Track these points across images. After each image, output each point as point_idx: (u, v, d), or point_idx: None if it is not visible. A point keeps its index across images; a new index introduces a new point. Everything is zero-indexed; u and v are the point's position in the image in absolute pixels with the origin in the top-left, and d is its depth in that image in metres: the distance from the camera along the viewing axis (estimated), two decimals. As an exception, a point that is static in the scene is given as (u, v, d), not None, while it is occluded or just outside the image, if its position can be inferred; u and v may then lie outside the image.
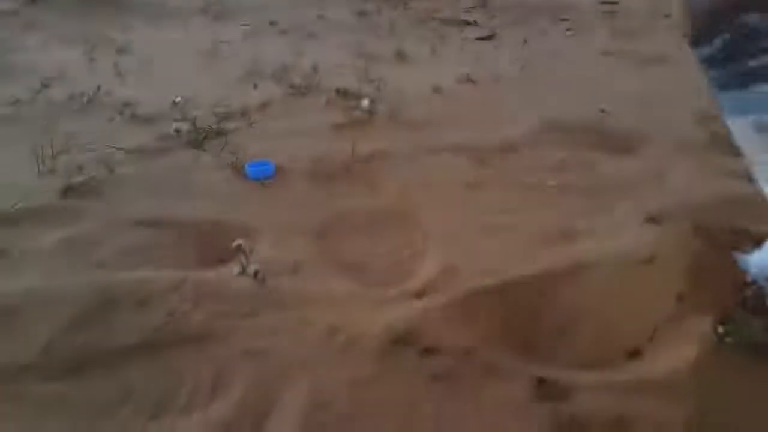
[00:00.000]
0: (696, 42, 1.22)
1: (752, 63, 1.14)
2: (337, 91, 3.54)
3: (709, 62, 1.21)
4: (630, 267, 1.49)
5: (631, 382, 1.15)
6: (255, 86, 3.91)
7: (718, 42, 1.17)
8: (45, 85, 3.80)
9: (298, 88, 3.76)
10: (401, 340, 1.27)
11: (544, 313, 1.48)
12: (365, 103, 3.06)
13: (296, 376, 1.19)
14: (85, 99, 3.54)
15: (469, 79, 4.03)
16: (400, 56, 5.28)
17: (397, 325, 1.32)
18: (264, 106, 3.40)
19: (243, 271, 1.31)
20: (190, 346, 1.29)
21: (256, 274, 1.31)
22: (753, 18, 1.12)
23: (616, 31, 6.39)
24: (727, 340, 1.20)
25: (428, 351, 1.25)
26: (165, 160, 2.50)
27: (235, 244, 1.35)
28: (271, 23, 8.20)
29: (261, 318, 1.38)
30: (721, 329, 1.19)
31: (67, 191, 2.08)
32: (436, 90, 3.83)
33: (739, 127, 1.26)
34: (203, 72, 4.71)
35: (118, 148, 2.56)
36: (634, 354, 1.30)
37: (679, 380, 1.14)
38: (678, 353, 1.23)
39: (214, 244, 1.80)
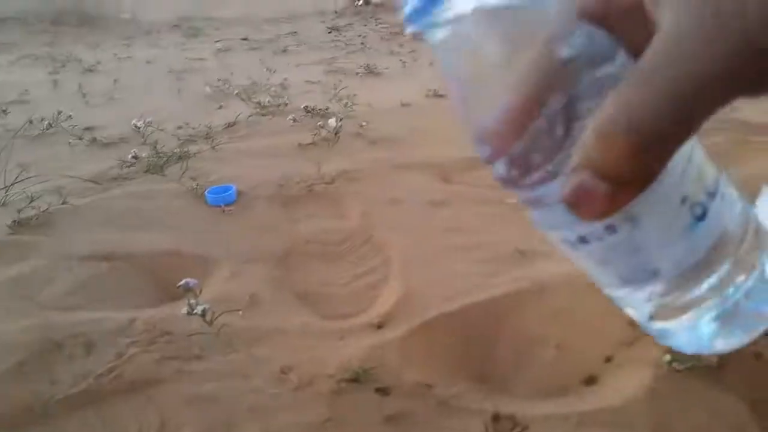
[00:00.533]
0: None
1: None
2: (305, 109, 3.52)
3: None
4: (585, 290, 1.47)
5: (588, 411, 1.12)
6: (220, 107, 3.87)
7: None
8: (3, 111, 3.73)
9: (266, 107, 3.72)
10: (356, 379, 1.23)
11: (501, 340, 1.46)
12: (332, 122, 3.03)
13: (245, 421, 1.14)
14: (45, 124, 3.47)
15: (437, 95, 4.03)
16: (370, 71, 5.28)
17: (352, 363, 1.28)
18: (229, 126, 3.36)
19: (191, 312, 1.26)
20: (136, 394, 1.25)
21: (204, 314, 1.26)
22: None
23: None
24: (677, 366, 1.18)
25: (383, 390, 1.22)
26: (122, 188, 2.45)
27: (180, 284, 1.30)
28: (243, 40, 8.18)
29: (210, 361, 1.34)
30: (668, 357, 1.17)
31: (17, 225, 2.02)
32: (405, 105, 3.83)
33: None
34: (171, 92, 4.66)
35: (74, 177, 2.50)
36: (590, 381, 1.29)
37: (634, 408, 1.12)
38: (633, 379, 1.21)
39: (168, 279, 1.75)
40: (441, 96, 4.02)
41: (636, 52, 0.29)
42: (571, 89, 0.28)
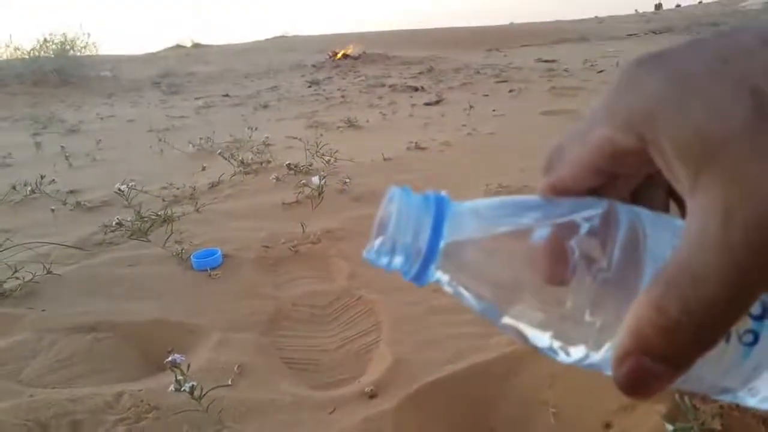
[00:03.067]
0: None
1: None
2: (288, 166, 3.54)
3: None
4: (580, 352, 1.47)
5: (587, 484, 1.11)
6: (203, 168, 3.89)
7: None
8: (-15, 177, 3.71)
9: (249, 165, 3.74)
10: (349, 454, 1.20)
11: (497, 406, 1.44)
12: (315, 179, 3.05)
13: (236, 504, 1.11)
14: (27, 189, 3.45)
15: (418, 147, 4.09)
16: (351, 124, 5.35)
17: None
18: (213, 186, 3.37)
19: (179, 388, 1.23)
20: (123, 477, 1.21)
21: (192, 390, 1.24)
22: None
23: (556, 90, 6.61)
24: (680, 432, 1.17)
25: (377, 464, 1.19)
26: (107, 254, 2.43)
27: (168, 360, 1.28)
28: (225, 96, 8.27)
29: (200, 438, 1.30)
30: (671, 427, 1.16)
31: (0, 298, 1.99)
32: (387, 160, 3.87)
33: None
34: (153, 152, 4.68)
35: (58, 245, 2.48)
36: (590, 448, 1.27)
37: (635, 479, 1.10)
38: (633, 446, 1.20)
39: (155, 349, 1.72)
40: (422, 149, 4.08)
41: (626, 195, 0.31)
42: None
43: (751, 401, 0.32)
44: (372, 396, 1.46)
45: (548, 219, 0.32)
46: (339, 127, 5.31)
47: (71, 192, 3.52)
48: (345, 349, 1.77)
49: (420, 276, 0.34)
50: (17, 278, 2.08)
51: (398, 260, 0.33)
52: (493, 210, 0.34)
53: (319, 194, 2.91)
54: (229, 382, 1.51)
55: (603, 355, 0.31)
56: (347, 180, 3.17)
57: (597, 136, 0.29)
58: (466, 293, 0.34)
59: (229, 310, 1.96)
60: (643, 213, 0.31)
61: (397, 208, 0.33)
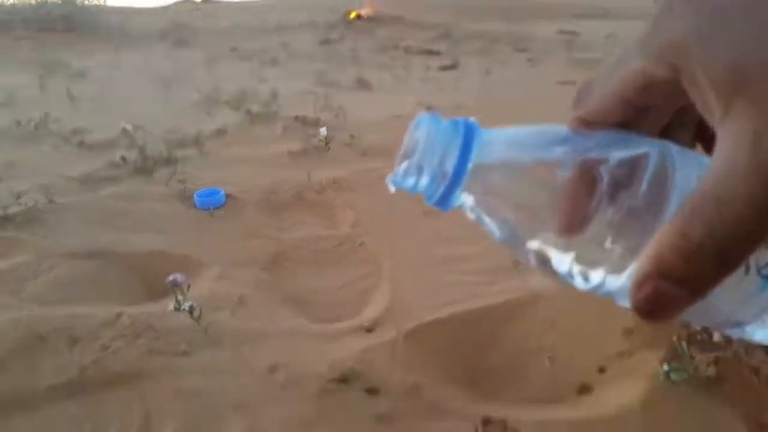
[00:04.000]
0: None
1: None
2: (296, 118, 3.51)
3: None
4: (580, 301, 1.47)
5: (580, 419, 1.11)
6: (209, 113, 3.86)
7: None
8: (-10, 111, 3.68)
9: (256, 115, 3.71)
10: (345, 379, 1.21)
11: (493, 349, 1.45)
12: (323, 131, 3.03)
13: (231, 416, 1.12)
14: (32, 125, 3.43)
15: (430, 108, 4.05)
16: (362, 84, 5.30)
17: (341, 363, 1.26)
18: (219, 133, 3.35)
19: (178, 308, 1.23)
20: (121, 386, 1.22)
21: (191, 310, 1.24)
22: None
23: (575, 60, 6.54)
24: (674, 377, 1.17)
25: (372, 391, 1.20)
26: (110, 189, 2.42)
27: (169, 279, 1.28)
28: (232, 50, 8.18)
29: (197, 357, 1.31)
30: (666, 367, 1.17)
31: (2, 222, 1.98)
32: (396, 117, 3.83)
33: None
34: (159, 99, 4.64)
35: (61, 176, 2.47)
36: (584, 390, 1.27)
37: (628, 417, 1.11)
38: (627, 390, 1.20)
39: (155, 278, 1.72)
40: (434, 110, 4.04)
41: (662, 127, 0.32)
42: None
43: (760, 334, 0.32)
44: (369, 330, 1.46)
45: (578, 148, 0.32)
46: (349, 87, 5.25)
47: (75, 131, 3.49)
48: (345, 290, 1.78)
49: (445, 199, 0.33)
50: (19, 204, 2.08)
51: (424, 181, 0.33)
52: (523, 137, 0.33)
53: (326, 144, 2.89)
54: (229, 311, 1.52)
55: (622, 281, 0.31)
56: (355, 134, 3.15)
57: (629, 69, 0.29)
58: (489, 218, 0.34)
59: (230, 248, 1.96)
60: (673, 148, 0.31)
61: (425, 132, 0.33)
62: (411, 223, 2.21)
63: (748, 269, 0.29)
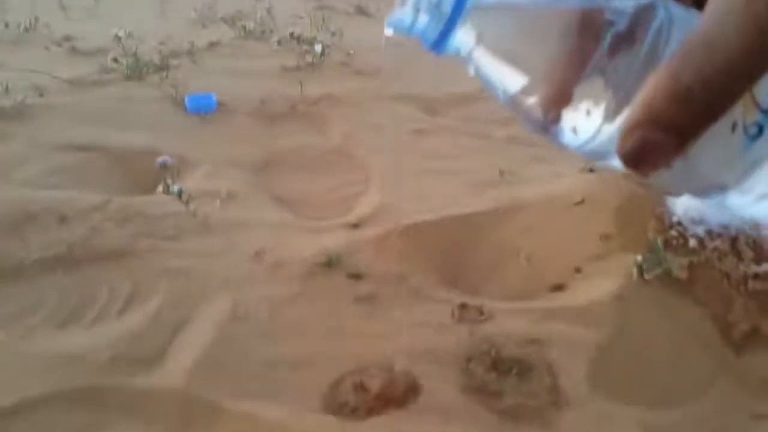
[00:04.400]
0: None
1: None
2: (291, 35, 3.45)
3: None
4: (561, 208, 1.50)
5: (552, 309, 1.16)
6: (204, 26, 3.78)
7: None
8: (-22, 12, 3.59)
9: (251, 32, 3.64)
10: (329, 264, 1.25)
11: (474, 250, 1.48)
12: (318, 47, 2.99)
13: (217, 293, 1.15)
14: (21, 28, 3.36)
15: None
16: (361, 11, 5.18)
17: (326, 250, 1.29)
18: (212, 45, 3.29)
19: (167, 190, 1.25)
20: (109, 263, 1.25)
21: (180, 194, 1.26)
22: None
23: None
24: (647, 276, 1.21)
25: (356, 276, 1.24)
26: (101, 90, 2.40)
27: (158, 160, 1.29)
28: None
29: (185, 240, 1.34)
30: (640, 258, 1.20)
31: (-8, 112, 1.97)
32: (396, 45, 3.76)
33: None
34: (153, 11, 4.52)
35: (53, 77, 2.44)
36: (558, 288, 1.32)
37: (599, 309, 1.15)
38: (600, 287, 1.24)
39: (145, 173, 1.73)
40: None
41: None
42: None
43: (742, 201, 0.33)
44: (356, 226, 1.49)
45: None
46: (348, 13, 5.13)
47: (66, 38, 3.42)
48: (334, 193, 1.80)
49: (441, 40, 0.33)
50: (9, 98, 2.06)
51: (422, 20, 0.33)
52: None
53: (321, 56, 2.85)
54: (217, 203, 1.54)
55: (612, 132, 0.31)
56: (351, 52, 3.11)
57: None
58: (486, 61, 0.34)
59: (220, 150, 1.96)
60: (676, 6, 0.31)
61: None
62: (402, 139, 2.22)
63: (734, 127, 0.30)
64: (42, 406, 0.88)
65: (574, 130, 0.32)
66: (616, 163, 0.31)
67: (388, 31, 0.35)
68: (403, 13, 0.33)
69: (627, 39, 0.30)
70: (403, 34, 0.34)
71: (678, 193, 0.35)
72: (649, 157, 0.26)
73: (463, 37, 0.33)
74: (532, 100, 0.33)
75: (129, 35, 3.08)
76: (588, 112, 0.31)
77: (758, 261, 1.25)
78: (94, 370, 0.94)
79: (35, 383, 0.92)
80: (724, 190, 0.32)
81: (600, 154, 0.33)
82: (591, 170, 1.86)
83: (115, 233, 1.33)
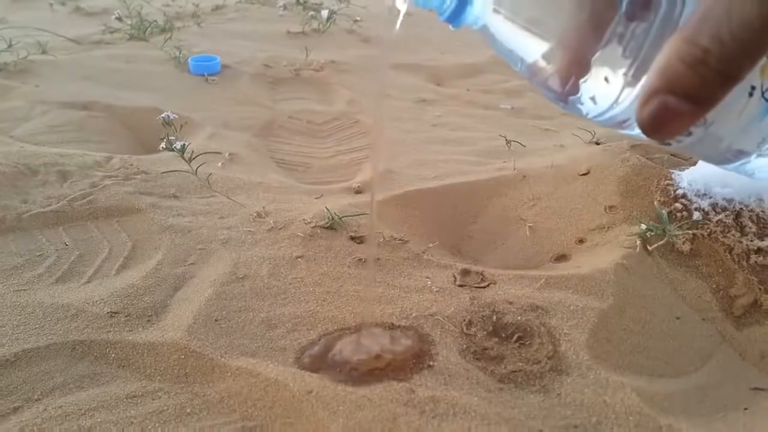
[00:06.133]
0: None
1: None
2: (297, 0, 3.40)
3: None
4: (566, 179, 1.49)
5: (554, 277, 1.15)
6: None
7: None
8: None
9: (256, -4, 3.59)
10: (331, 227, 1.24)
11: (477, 219, 1.47)
12: (324, 14, 2.95)
13: (218, 251, 1.15)
14: (24, -14, 3.31)
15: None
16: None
17: (328, 213, 1.28)
18: (217, 8, 3.25)
19: (169, 147, 1.24)
20: (109, 218, 1.24)
21: (183, 150, 1.24)
22: None
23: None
24: (650, 247, 1.21)
25: (357, 239, 1.23)
26: (105, 50, 2.37)
27: (161, 116, 1.27)
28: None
29: (187, 199, 1.33)
30: (644, 226, 1.19)
31: (-7, 67, 1.95)
32: (406, 13, 3.71)
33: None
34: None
35: (56, 35, 2.41)
36: (561, 258, 1.31)
37: (601, 279, 1.14)
38: (603, 257, 1.23)
39: (147, 133, 1.72)
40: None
41: None
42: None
43: (763, 162, 0.32)
44: (358, 192, 1.48)
45: None
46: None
47: (70, -2, 3.38)
48: (336, 158, 1.78)
49: (459, 12, 0.32)
50: (12, 54, 2.03)
51: None
52: None
53: (327, 22, 2.81)
54: (219, 164, 1.53)
55: (632, 100, 0.30)
56: (358, 19, 3.06)
57: None
58: (504, 31, 0.33)
59: (224, 112, 1.94)
60: None
61: None
62: (407, 108, 2.20)
63: (752, 92, 0.29)
64: (40, 358, 0.88)
65: (594, 99, 0.32)
66: (636, 131, 0.30)
67: (401, 3, 0.34)
68: None
69: (643, 4, 0.29)
70: (418, 6, 0.34)
71: (699, 158, 0.34)
72: (668, 125, 0.26)
73: (480, 8, 0.32)
74: (550, 69, 0.33)
75: (133, -4, 3.03)
76: (607, 80, 0.31)
77: (761, 235, 1.24)
78: (93, 323, 0.94)
79: (33, 335, 0.91)
80: (744, 155, 0.32)
81: (620, 123, 0.32)
82: (597, 143, 1.84)
83: (117, 190, 1.31)
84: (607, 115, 0.34)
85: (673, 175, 1.36)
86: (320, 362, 0.89)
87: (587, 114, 0.34)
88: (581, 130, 1.88)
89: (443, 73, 2.65)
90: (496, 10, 0.34)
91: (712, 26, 0.24)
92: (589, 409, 0.80)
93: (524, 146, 1.80)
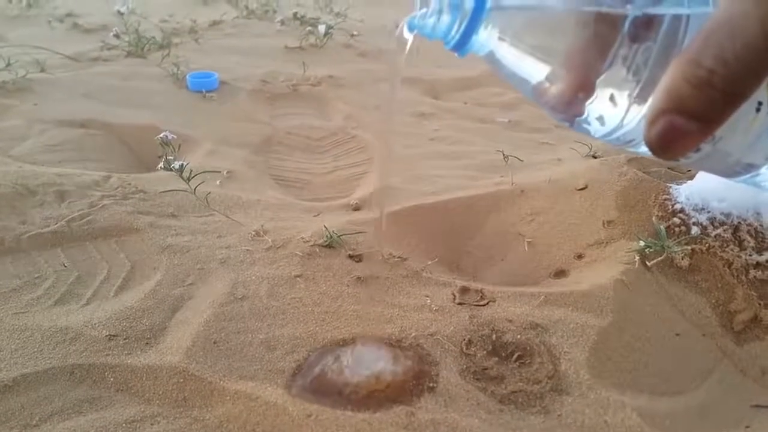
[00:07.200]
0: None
1: None
2: (295, 15, 3.42)
3: None
4: (564, 194, 1.49)
5: (553, 294, 1.15)
6: (206, 4, 3.75)
7: None
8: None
9: (254, 11, 3.61)
10: (329, 245, 1.24)
11: (475, 235, 1.47)
12: (321, 28, 2.96)
13: (216, 271, 1.15)
14: (24, 3, 3.33)
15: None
16: (365, -7, 5.12)
17: (327, 231, 1.28)
18: (215, 24, 3.27)
19: (168, 167, 1.24)
20: (107, 239, 1.24)
21: (181, 170, 1.24)
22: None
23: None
24: (649, 263, 1.21)
25: (356, 257, 1.23)
26: (102, 67, 2.38)
27: (160, 135, 1.27)
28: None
29: (185, 218, 1.33)
30: (643, 245, 1.19)
31: (-9, 86, 1.96)
32: (399, 25, 3.73)
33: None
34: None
35: (54, 52, 2.42)
36: (560, 274, 1.31)
37: (600, 295, 1.14)
38: (602, 273, 1.23)
39: (146, 151, 1.72)
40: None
41: None
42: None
43: None
44: (356, 209, 1.48)
45: None
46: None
47: (69, 15, 3.39)
48: (335, 174, 1.78)
49: (464, 40, 0.33)
50: (10, 72, 2.04)
51: (445, 20, 0.33)
52: None
53: (324, 37, 2.82)
54: (218, 182, 1.53)
55: (639, 119, 0.31)
56: (355, 33, 3.08)
57: None
58: (509, 57, 0.34)
59: (222, 128, 1.95)
60: None
61: None
62: (405, 122, 2.21)
63: (759, 107, 0.29)
64: (39, 383, 0.88)
65: (601, 120, 0.32)
66: (643, 149, 0.31)
67: (408, 34, 0.34)
68: (424, 16, 0.33)
69: (646, 25, 0.29)
70: (424, 36, 0.34)
71: (708, 172, 0.35)
72: (676, 144, 0.26)
73: (484, 36, 0.32)
74: (555, 91, 0.33)
75: (131, 12, 3.05)
76: (613, 101, 0.31)
77: (760, 250, 1.24)
78: (91, 347, 0.94)
79: (32, 359, 0.91)
80: (754, 168, 0.32)
81: (627, 142, 0.32)
82: (594, 156, 1.84)
83: (115, 210, 1.31)
84: (614, 135, 0.34)
85: (670, 190, 1.37)
86: (319, 384, 0.88)
87: (595, 134, 0.34)
88: (578, 144, 1.88)
89: (440, 87, 2.66)
90: (501, 38, 0.34)
91: (716, 48, 0.24)
92: (590, 430, 0.80)
93: (521, 161, 1.81)
